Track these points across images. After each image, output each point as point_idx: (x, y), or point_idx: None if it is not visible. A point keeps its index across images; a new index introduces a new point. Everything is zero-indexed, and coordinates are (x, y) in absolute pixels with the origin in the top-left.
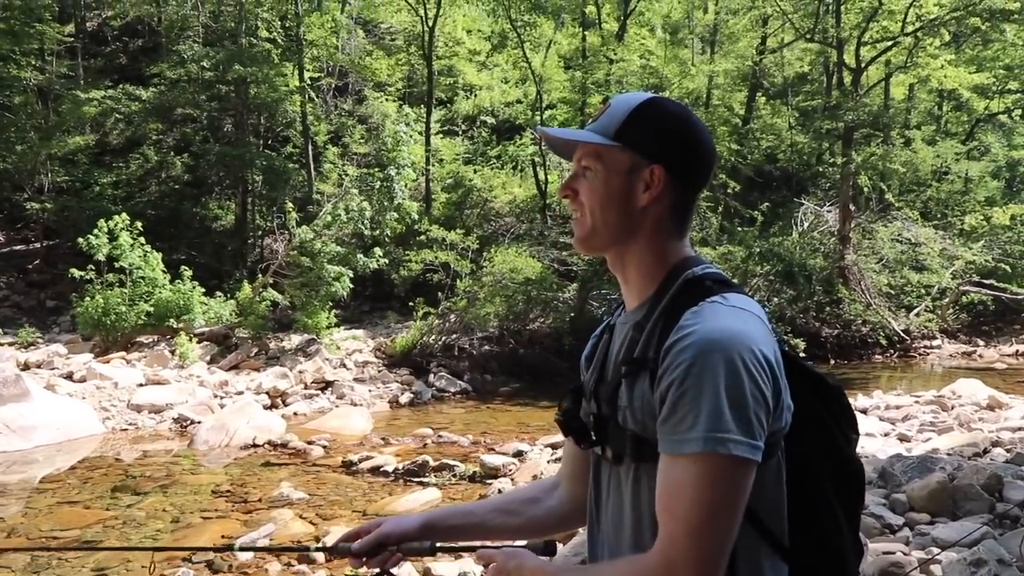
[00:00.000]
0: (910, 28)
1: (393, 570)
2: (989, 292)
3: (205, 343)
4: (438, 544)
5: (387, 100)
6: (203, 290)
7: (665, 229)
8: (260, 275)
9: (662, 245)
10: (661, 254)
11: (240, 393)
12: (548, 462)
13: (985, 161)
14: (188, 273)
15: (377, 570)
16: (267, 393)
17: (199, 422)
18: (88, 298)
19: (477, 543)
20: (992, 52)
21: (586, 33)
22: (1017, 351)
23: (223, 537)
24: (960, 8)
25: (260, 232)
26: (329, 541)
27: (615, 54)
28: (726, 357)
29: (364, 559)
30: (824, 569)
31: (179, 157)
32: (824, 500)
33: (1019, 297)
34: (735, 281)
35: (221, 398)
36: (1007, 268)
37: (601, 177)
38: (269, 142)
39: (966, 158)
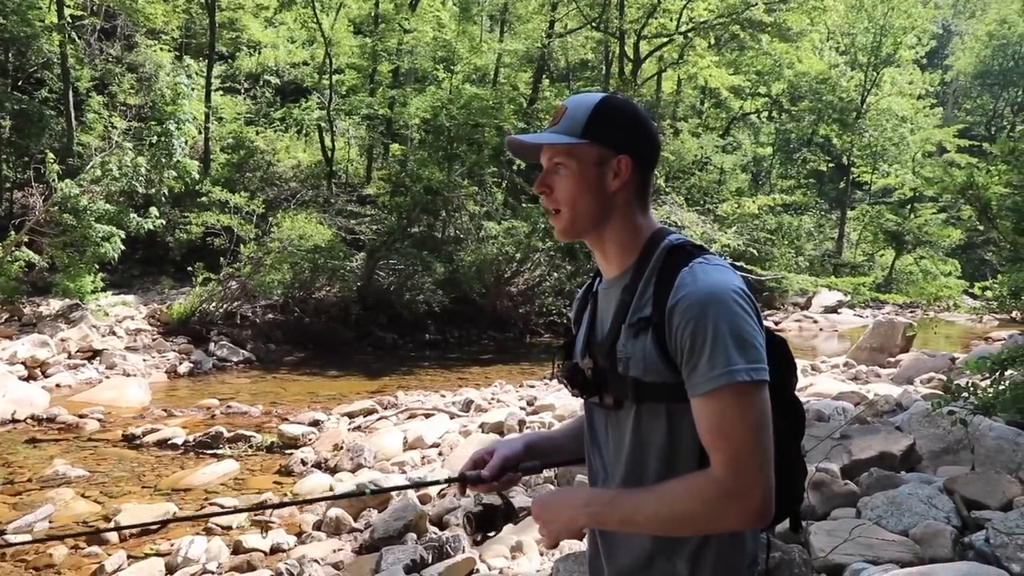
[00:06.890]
0: (683, 28)
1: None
2: (740, 274)
3: None
4: (543, 463)
5: (162, 49)
6: None
7: (634, 207)
8: (12, 232)
9: (634, 221)
10: (634, 228)
11: None
12: (348, 430)
13: (737, 155)
14: None
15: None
16: (23, 363)
17: None
18: None
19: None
20: (747, 58)
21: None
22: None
23: None
24: (725, 15)
25: (9, 184)
26: (122, 519)
27: (408, 23)
28: (727, 304)
29: (494, 484)
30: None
31: None
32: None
33: (762, 277)
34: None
35: None
36: (754, 252)
37: (575, 171)
38: (20, 83)
39: (722, 151)
